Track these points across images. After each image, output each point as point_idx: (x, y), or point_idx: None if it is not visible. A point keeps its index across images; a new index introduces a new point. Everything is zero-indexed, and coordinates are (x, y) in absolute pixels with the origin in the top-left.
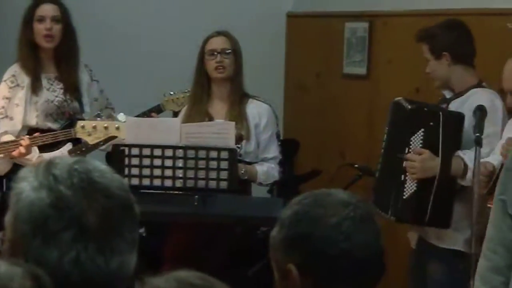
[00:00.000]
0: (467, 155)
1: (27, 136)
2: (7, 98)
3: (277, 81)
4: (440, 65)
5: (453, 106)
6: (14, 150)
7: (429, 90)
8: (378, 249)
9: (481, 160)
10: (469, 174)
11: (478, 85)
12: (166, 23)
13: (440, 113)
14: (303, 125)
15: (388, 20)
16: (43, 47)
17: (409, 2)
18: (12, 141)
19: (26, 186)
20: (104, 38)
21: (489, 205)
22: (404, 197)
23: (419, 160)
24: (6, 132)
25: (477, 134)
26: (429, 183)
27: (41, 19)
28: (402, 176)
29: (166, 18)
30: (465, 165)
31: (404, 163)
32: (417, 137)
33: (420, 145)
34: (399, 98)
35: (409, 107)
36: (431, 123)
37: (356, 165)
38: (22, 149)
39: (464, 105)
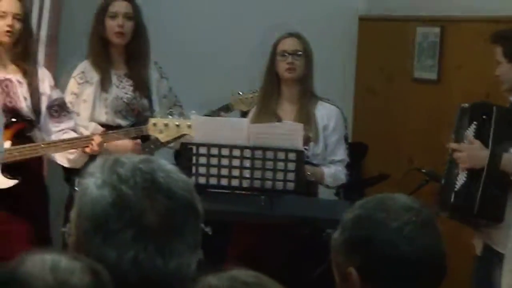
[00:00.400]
0: None
1: (99, 132)
2: (75, 94)
3: (347, 83)
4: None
5: None
6: (87, 146)
7: (499, 96)
8: (439, 254)
9: None
10: None
11: None
12: (237, 22)
13: (494, 108)
14: (372, 128)
15: (460, 25)
16: (114, 43)
17: (481, 8)
18: (85, 137)
19: (91, 183)
20: (173, 36)
21: None
22: (455, 190)
23: (467, 149)
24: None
25: None
26: (479, 174)
27: (114, 16)
28: (456, 171)
29: (237, 17)
30: None
31: (454, 154)
32: (470, 130)
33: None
34: (465, 104)
35: (466, 105)
36: (484, 116)
37: (423, 170)
38: (95, 146)
39: None
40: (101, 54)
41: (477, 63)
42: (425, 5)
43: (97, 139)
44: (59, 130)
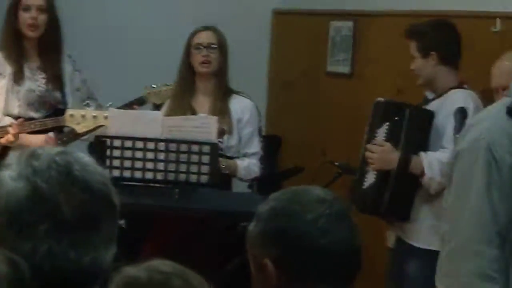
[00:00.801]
0: (428, 158)
1: (16, 122)
2: None
3: (261, 77)
4: (426, 64)
5: (433, 107)
6: (2, 137)
7: (412, 91)
8: (354, 246)
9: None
10: (425, 178)
11: (459, 86)
12: (151, 16)
13: (407, 109)
14: (286, 121)
15: (373, 19)
16: (27, 36)
17: (394, 2)
18: (0, 128)
19: (7, 175)
20: (88, 29)
21: None
22: (363, 187)
23: (378, 151)
24: None
25: (457, 135)
26: (388, 175)
27: (27, 8)
28: (367, 169)
29: (151, 11)
30: (423, 168)
31: (366, 153)
32: (382, 130)
33: (384, 138)
34: (381, 98)
35: (381, 100)
36: (396, 118)
37: (336, 163)
38: (10, 137)
39: (443, 105)
40: (14, 46)
41: (390, 57)
42: None
43: (13, 129)
44: None
